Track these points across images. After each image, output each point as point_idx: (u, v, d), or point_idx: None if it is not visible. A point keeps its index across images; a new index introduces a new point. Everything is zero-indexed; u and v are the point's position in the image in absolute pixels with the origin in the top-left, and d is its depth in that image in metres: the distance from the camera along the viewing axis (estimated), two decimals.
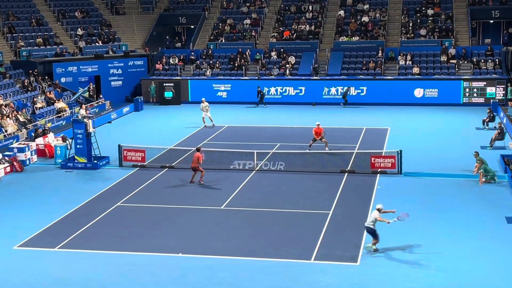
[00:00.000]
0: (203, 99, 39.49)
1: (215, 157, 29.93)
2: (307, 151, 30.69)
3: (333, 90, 45.51)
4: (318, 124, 31.59)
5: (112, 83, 48.68)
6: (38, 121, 37.31)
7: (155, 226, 21.97)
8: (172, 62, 49.72)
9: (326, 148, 30.91)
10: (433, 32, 48.90)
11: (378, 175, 27.52)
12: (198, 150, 27.28)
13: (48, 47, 47.86)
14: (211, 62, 48.97)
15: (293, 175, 27.98)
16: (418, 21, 50.06)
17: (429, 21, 49.88)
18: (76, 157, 30.01)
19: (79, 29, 51.29)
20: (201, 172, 26.80)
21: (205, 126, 38.45)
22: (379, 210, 19.58)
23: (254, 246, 20.10)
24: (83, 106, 39.38)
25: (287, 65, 47.47)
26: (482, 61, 45.75)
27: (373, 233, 19.46)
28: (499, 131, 32.37)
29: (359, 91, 45.17)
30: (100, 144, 30.77)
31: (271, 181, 27.27)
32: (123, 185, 27.12)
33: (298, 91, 45.90)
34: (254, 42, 50.89)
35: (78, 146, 29.88)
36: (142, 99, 45.93)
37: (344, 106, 44.09)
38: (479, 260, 18.71)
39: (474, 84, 44.02)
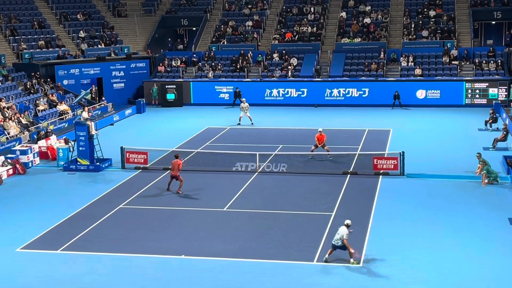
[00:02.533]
0: (243, 99, 40.53)
1: (218, 159, 29.95)
2: (309, 157, 30.28)
3: (335, 91, 45.51)
4: (321, 131, 30.80)
5: (114, 85, 48.72)
6: (41, 123, 37.34)
7: (157, 228, 21.97)
8: (174, 64, 49.76)
9: (328, 156, 30.28)
10: (435, 34, 48.88)
11: (381, 176, 27.51)
12: (176, 157, 26.02)
13: (50, 49, 47.91)
14: (213, 64, 49.00)
15: (295, 177, 27.97)
16: (420, 22, 50.06)
17: (431, 23, 49.86)
18: (78, 159, 30.03)
19: (81, 31, 51.33)
20: (181, 182, 25.71)
21: (239, 124, 39.46)
22: (348, 226, 18.83)
23: (256, 248, 20.09)
24: (86, 108, 39.41)
25: (289, 67, 47.49)
26: (484, 62, 45.73)
27: (342, 247, 18.70)
28: (505, 133, 32.33)
29: (361, 92, 45.16)
30: (102, 146, 30.80)
31: (273, 183, 27.26)
32: (125, 187, 27.13)
33: (300, 92, 45.90)
34: (256, 44, 50.91)
35: (80, 149, 29.91)
36: (144, 101, 45.96)
37: (393, 108, 43.78)
38: (482, 262, 18.68)
39: (476, 85, 43.99)
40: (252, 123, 39.34)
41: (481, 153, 27.45)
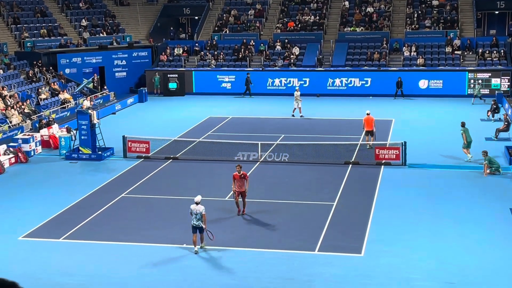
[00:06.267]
0: (297, 88, 39.53)
1: (219, 148, 29.96)
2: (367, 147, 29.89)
3: (337, 81, 45.45)
4: (368, 113, 30.40)
5: (116, 74, 48.66)
6: (43, 112, 37.35)
7: (159, 217, 22.01)
8: (176, 53, 49.68)
9: (368, 146, 30.09)
10: (438, 23, 48.75)
11: (383, 166, 27.50)
12: (238, 168, 22.07)
13: (52, 38, 47.86)
14: (215, 53, 48.92)
15: (297, 166, 27.98)
16: (423, 12, 49.90)
17: (434, 12, 49.72)
18: (80, 148, 30.05)
19: (83, 20, 51.25)
20: (238, 202, 22.02)
21: (293, 115, 38.23)
22: (198, 203, 18.78)
23: (258, 237, 20.12)
24: (89, 97, 39.39)
25: (292, 56, 47.41)
26: (487, 52, 45.60)
27: (201, 228, 18.84)
28: (506, 123, 32.27)
29: (364, 82, 45.09)
30: (104, 135, 30.80)
31: (275, 172, 27.27)
32: (127, 176, 27.16)
33: (303, 82, 45.82)
34: (259, 33, 50.82)
35: (82, 137, 29.92)
36: (146, 90, 45.91)
37: (396, 98, 43.56)
38: (483, 252, 18.71)
39: (479, 75, 43.89)
40: (300, 115, 37.97)
41: (487, 151, 26.86)
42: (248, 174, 22.46)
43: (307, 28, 50.13)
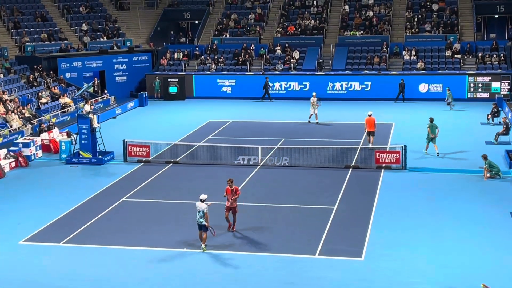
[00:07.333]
0: (313, 93, 38.42)
1: (220, 152, 29.97)
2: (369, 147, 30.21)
3: (337, 85, 45.47)
4: (370, 114, 31.09)
5: (117, 78, 48.71)
6: (43, 116, 37.37)
7: (159, 221, 22.02)
8: (177, 58, 49.73)
9: (370, 144, 30.59)
10: (438, 27, 48.80)
11: (383, 170, 27.51)
12: (229, 182, 21.16)
13: (52, 42, 47.89)
14: (215, 57, 48.96)
15: (297, 170, 27.99)
16: (423, 16, 49.96)
17: (434, 16, 49.78)
18: (81, 152, 30.06)
19: (84, 24, 51.30)
20: (228, 218, 21.13)
21: (309, 121, 37.64)
22: (202, 200, 19.38)
23: (258, 241, 20.12)
24: (89, 102, 39.36)
25: (292, 60, 47.45)
26: (487, 56, 45.65)
27: (204, 227, 19.35)
28: (505, 126, 32.30)
29: (364, 86, 45.11)
30: (104, 140, 30.83)
31: (275, 176, 27.28)
32: (127, 180, 27.17)
33: (303, 86, 45.86)
34: (259, 37, 50.86)
35: (83, 142, 29.95)
36: (146, 95, 45.95)
37: (396, 102, 43.57)
38: (483, 255, 18.71)
39: (479, 79, 43.92)
40: (317, 122, 37.39)
41: (487, 155, 26.86)
42: (239, 188, 21.70)
43: (307, 32, 50.18)
